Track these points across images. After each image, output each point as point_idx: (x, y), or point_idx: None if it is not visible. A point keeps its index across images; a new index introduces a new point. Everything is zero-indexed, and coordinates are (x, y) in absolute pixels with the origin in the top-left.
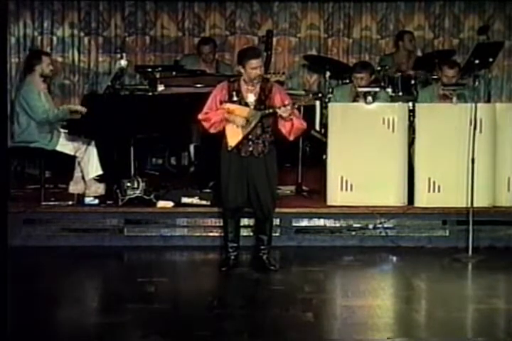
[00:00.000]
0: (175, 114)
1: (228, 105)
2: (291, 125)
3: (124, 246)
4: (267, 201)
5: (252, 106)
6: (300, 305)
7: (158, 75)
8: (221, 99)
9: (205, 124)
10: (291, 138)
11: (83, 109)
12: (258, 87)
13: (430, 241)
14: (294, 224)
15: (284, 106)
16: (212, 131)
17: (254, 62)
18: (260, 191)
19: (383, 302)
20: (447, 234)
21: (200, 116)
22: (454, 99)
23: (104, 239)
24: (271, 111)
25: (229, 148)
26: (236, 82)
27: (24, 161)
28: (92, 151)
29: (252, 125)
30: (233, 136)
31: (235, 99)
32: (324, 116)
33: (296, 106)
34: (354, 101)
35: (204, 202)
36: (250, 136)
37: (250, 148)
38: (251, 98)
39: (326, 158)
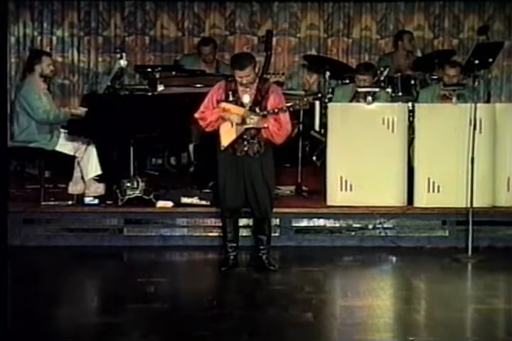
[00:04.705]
0: (174, 113)
1: (224, 104)
2: (268, 130)
3: (124, 246)
4: (264, 201)
5: (247, 107)
6: (300, 305)
7: (157, 75)
8: (218, 98)
9: (202, 123)
10: (276, 142)
11: (83, 113)
12: (254, 88)
13: (430, 241)
14: (294, 224)
15: (254, 115)
16: (208, 129)
17: (239, 73)
18: (257, 191)
19: (383, 302)
20: (447, 234)
21: (196, 115)
22: (454, 99)
23: (104, 238)
24: (265, 113)
25: (221, 148)
26: (233, 82)
27: (24, 161)
28: (92, 151)
29: (246, 126)
30: (226, 136)
31: (231, 98)
32: (324, 116)
33: (291, 109)
34: (353, 101)
35: (203, 202)
36: (245, 136)
37: (245, 148)
38: (246, 99)
39: (316, 160)
